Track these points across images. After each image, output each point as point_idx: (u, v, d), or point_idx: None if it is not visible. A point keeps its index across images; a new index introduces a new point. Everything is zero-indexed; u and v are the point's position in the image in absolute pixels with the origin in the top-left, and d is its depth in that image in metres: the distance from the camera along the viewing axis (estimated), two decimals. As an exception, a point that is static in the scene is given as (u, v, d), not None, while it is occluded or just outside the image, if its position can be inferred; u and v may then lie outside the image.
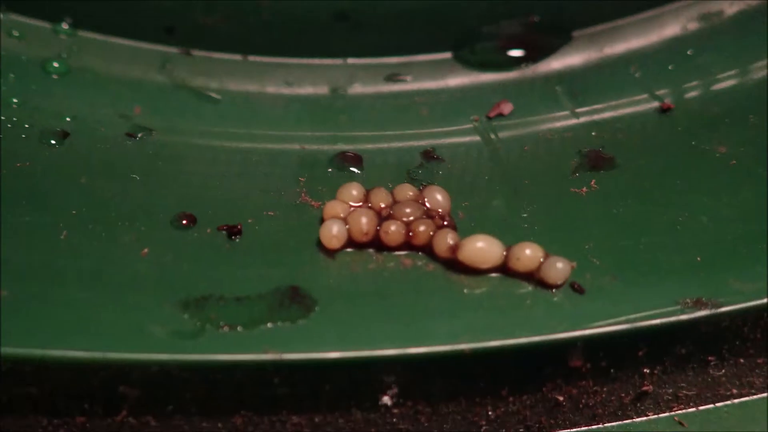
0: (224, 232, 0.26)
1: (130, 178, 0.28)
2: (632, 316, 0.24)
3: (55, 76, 0.31)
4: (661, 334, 0.24)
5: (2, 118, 0.29)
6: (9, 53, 0.31)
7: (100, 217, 0.26)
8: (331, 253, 0.26)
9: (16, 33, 0.32)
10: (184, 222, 0.26)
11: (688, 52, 0.35)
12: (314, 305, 0.24)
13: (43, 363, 0.21)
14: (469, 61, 0.35)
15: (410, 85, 0.35)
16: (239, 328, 0.23)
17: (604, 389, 0.25)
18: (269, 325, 0.23)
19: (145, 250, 0.25)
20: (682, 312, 0.24)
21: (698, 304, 0.24)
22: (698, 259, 0.25)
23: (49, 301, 0.22)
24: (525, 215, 0.28)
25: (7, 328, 0.21)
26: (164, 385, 0.22)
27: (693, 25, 0.36)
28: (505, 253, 0.25)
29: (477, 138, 0.32)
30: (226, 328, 0.23)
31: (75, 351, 0.21)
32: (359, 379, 0.23)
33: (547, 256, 0.25)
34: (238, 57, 0.34)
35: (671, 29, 0.36)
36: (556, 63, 0.36)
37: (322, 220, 0.27)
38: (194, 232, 0.26)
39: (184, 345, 0.22)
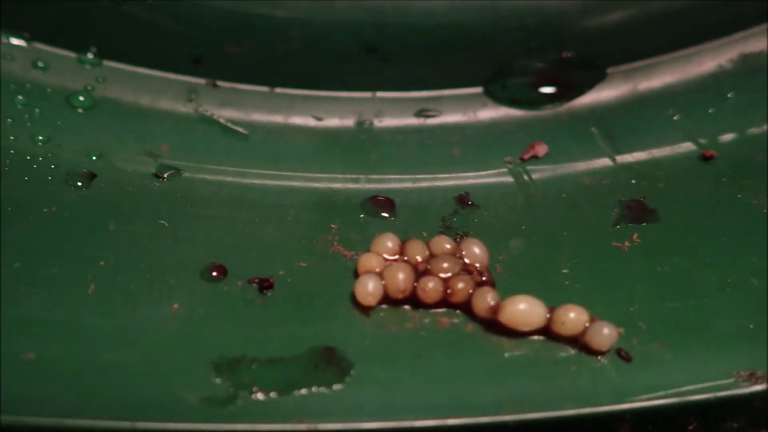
0: (255, 285, 0.25)
1: (158, 224, 0.27)
2: (683, 389, 0.23)
3: (80, 110, 0.31)
4: (713, 409, 0.23)
5: (28, 157, 0.28)
6: (35, 85, 0.31)
7: (128, 268, 0.25)
8: (366, 310, 0.25)
9: (41, 64, 0.31)
10: (215, 274, 0.25)
11: (729, 95, 0.34)
12: (350, 368, 0.23)
13: (69, 432, 0.20)
14: (499, 96, 0.34)
15: (440, 119, 0.34)
16: (273, 394, 0.22)
17: (649, 462, 0.24)
18: (304, 390, 0.22)
19: (176, 306, 0.24)
20: (736, 386, 0.23)
21: (753, 378, 0.23)
22: (751, 326, 0.24)
23: (75, 364, 0.21)
24: (566, 271, 0.27)
25: (33, 395, 0.20)
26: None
27: (731, 66, 0.35)
28: (548, 315, 0.24)
29: (511, 180, 0.31)
30: (259, 395, 0.22)
31: (103, 420, 0.20)
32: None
33: (592, 320, 0.24)
34: (265, 89, 0.33)
35: (708, 67, 0.35)
36: (590, 101, 0.35)
37: (356, 274, 0.26)
38: (225, 285, 0.25)
39: (217, 413, 0.21)
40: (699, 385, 0.23)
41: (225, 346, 0.23)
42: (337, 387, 0.22)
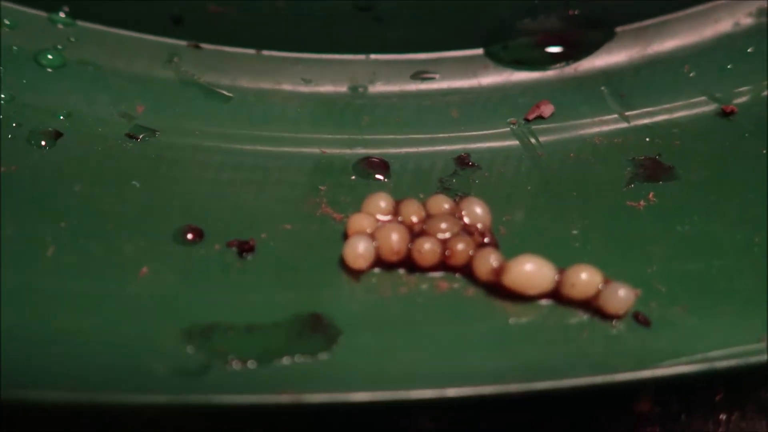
0: (234, 248, 0.23)
1: (129, 186, 0.25)
2: (708, 355, 0.20)
3: (49, 69, 0.28)
4: (741, 376, 0.21)
5: (-13, 115, 0.26)
6: (0, 44, 0.28)
7: (94, 231, 0.23)
8: (356, 274, 0.23)
9: (7, 22, 0.29)
10: (190, 236, 0.23)
11: (748, 50, 0.32)
12: (338, 336, 0.21)
13: (22, 407, 0.18)
14: (502, 58, 0.32)
15: (439, 83, 0.32)
16: (251, 364, 0.20)
17: (672, 436, 0.21)
18: (286, 360, 0.20)
19: (144, 270, 0.22)
20: (767, 351, 0.20)
21: (786, 342, 0.20)
22: (782, 286, 0.22)
23: (30, 331, 0.19)
24: (575, 232, 0.25)
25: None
26: (162, 430, 0.19)
27: (749, 20, 0.33)
28: (557, 277, 0.22)
29: (515, 142, 0.29)
30: (235, 364, 0.20)
31: (59, 392, 0.18)
32: (390, 424, 0.20)
33: (606, 281, 0.22)
34: (251, 51, 0.31)
35: (724, 25, 0.33)
36: (599, 61, 0.32)
37: (345, 236, 0.24)
38: (201, 249, 0.23)
39: (188, 384, 0.19)
40: (726, 351, 0.20)
41: (198, 313, 0.21)
42: (323, 356, 0.20)
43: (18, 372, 0.18)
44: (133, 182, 0.25)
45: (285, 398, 0.19)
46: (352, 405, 0.19)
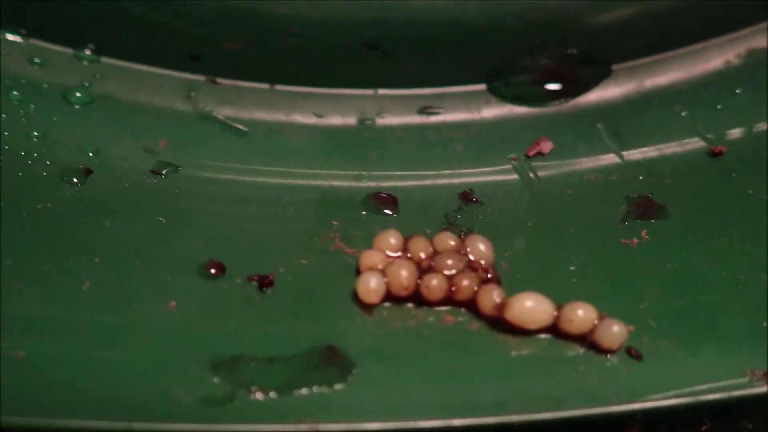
0: (255, 282, 0.25)
1: (155, 221, 0.26)
2: (696, 388, 0.22)
3: (77, 107, 0.30)
4: (727, 408, 0.22)
5: (23, 152, 0.27)
6: (30, 82, 0.30)
7: (125, 265, 0.24)
8: (368, 308, 0.24)
9: (37, 60, 0.31)
10: (213, 271, 0.25)
11: (737, 91, 0.33)
12: (352, 367, 0.22)
13: (62, 433, 0.19)
14: (504, 94, 0.34)
15: (443, 117, 0.33)
16: (272, 394, 0.21)
17: (661, 464, 0.23)
18: (304, 390, 0.21)
19: (173, 303, 0.23)
20: (751, 385, 0.22)
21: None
22: (764, 323, 0.24)
23: (68, 362, 0.21)
24: (573, 268, 0.26)
25: (23, 394, 0.19)
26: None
27: (738, 62, 0.34)
28: (555, 312, 0.24)
29: (516, 177, 0.31)
30: (258, 394, 0.21)
31: (97, 421, 0.19)
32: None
33: (601, 317, 0.24)
34: (265, 86, 0.33)
35: (715, 64, 0.34)
36: (596, 97, 0.34)
37: (358, 271, 0.25)
38: (223, 283, 0.24)
39: (214, 413, 0.20)
40: (712, 384, 0.22)
41: (223, 345, 0.22)
42: (338, 386, 0.22)
43: (57, 401, 0.20)
44: (159, 218, 0.26)
45: (303, 427, 0.20)
46: (365, 433, 0.21)
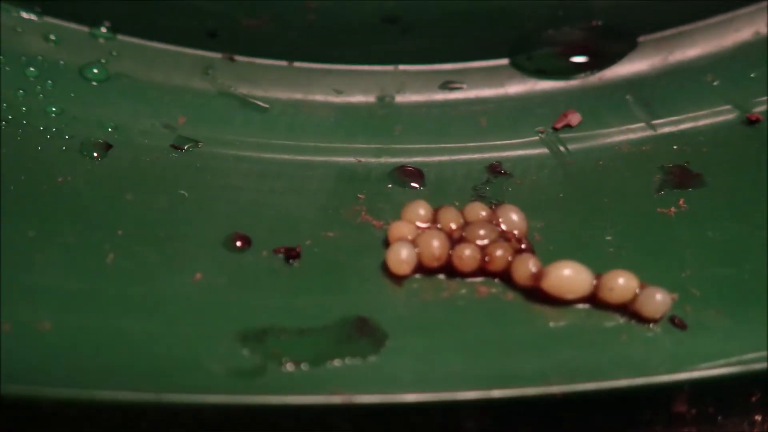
0: (281, 255, 0.24)
1: (178, 195, 0.25)
2: (745, 357, 0.21)
3: (94, 83, 0.29)
4: (777, 377, 0.21)
5: (41, 128, 0.27)
6: (46, 59, 0.29)
7: (149, 238, 0.23)
8: (398, 279, 0.24)
9: (53, 37, 0.30)
10: (239, 244, 0.24)
11: (772, 58, 0.32)
12: (385, 339, 0.22)
13: (91, 405, 0.19)
14: (527, 67, 0.33)
15: (466, 93, 0.32)
16: (304, 366, 0.20)
17: (708, 436, 0.22)
18: (336, 362, 0.21)
19: (198, 275, 0.23)
20: (802, 352, 0.21)
21: (821, 344, 0.21)
22: (813, 290, 0.23)
23: (95, 334, 0.20)
24: (609, 238, 0.25)
25: (50, 367, 0.19)
26: (220, 430, 0.20)
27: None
28: (594, 282, 0.23)
29: (545, 150, 0.30)
30: (289, 366, 0.20)
31: (126, 392, 0.19)
32: (437, 424, 0.21)
33: (643, 286, 0.23)
34: (283, 63, 0.32)
35: (745, 34, 0.33)
36: (622, 70, 0.33)
37: (386, 243, 0.24)
38: (249, 255, 0.24)
39: (246, 385, 0.20)
40: (761, 353, 0.21)
41: (251, 317, 0.21)
42: (372, 358, 0.21)
43: (84, 372, 0.19)
44: (181, 191, 0.26)
45: (337, 399, 0.20)
46: (401, 405, 0.20)
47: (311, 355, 0.21)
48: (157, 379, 0.19)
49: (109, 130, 0.28)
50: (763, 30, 0.33)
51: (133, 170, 0.26)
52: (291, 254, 0.24)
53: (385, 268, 0.24)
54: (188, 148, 0.28)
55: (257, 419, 0.20)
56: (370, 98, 0.32)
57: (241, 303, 0.22)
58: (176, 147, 0.28)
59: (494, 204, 0.27)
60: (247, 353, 0.20)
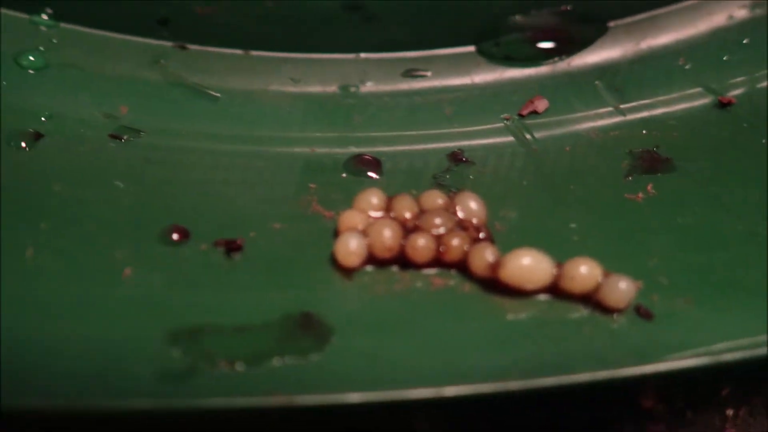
0: (222, 248, 0.22)
1: (112, 186, 0.24)
2: (713, 347, 0.20)
3: (30, 71, 0.28)
4: (748, 370, 0.20)
5: (-34, 117, 0.25)
6: (-22, 46, 0.28)
7: (75, 232, 0.22)
8: (348, 272, 0.22)
9: (-13, 24, 0.28)
10: (175, 237, 0.22)
11: (744, 42, 0.31)
12: (330, 335, 0.20)
13: (4, 415, 0.17)
14: (494, 54, 0.32)
15: (431, 81, 0.31)
16: (240, 366, 0.19)
17: (678, 434, 0.21)
18: (277, 361, 0.19)
19: (128, 271, 0.21)
20: (775, 342, 0.20)
21: (795, 333, 0.20)
22: (787, 277, 0.21)
23: (5, 334, 0.18)
24: (573, 226, 0.24)
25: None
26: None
27: (742, 13, 0.32)
28: (555, 271, 0.21)
29: (510, 138, 0.28)
30: (224, 366, 0.19)
31: (36, 401, 0.17)
32: (387, 426, 0.19)
33: (606, 274, 0.21)
34: (239, 52, 0.31)
35: (718, 18, 0.32)
36: (592, 56, 0.32)
37: (336, 233, 0.23)
38: (187, 249, 0.22)
39: (174, 388, 0.18)
40: (732, 343, 0.20)
41: (184, 315, 0.20)
42: (315, 357, 0.19)
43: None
44: (117, 182, 0.24)
45: (276, 400, 0.18)
46: (347, 406, 0.18)
47: (248, 354, 0.19)
48: (75, 386, 0.18)
49: (43, 119, 0.26)
50: (736, 14, 0.32)
51: (65, 160, 0.24)
52: (232, 247, 0.22)
53: (333, 261, 0.22)
54: (128, 138, 0.26)
55: (188, 424, 0.18)
56: (331, 87, 0.31)
57: (174, 300, 0.20)
58: (115, 137, 0.26)
59: (453, 192, 0.25)
60: (177, 354, 0.19)
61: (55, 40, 0.29)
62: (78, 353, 0.19)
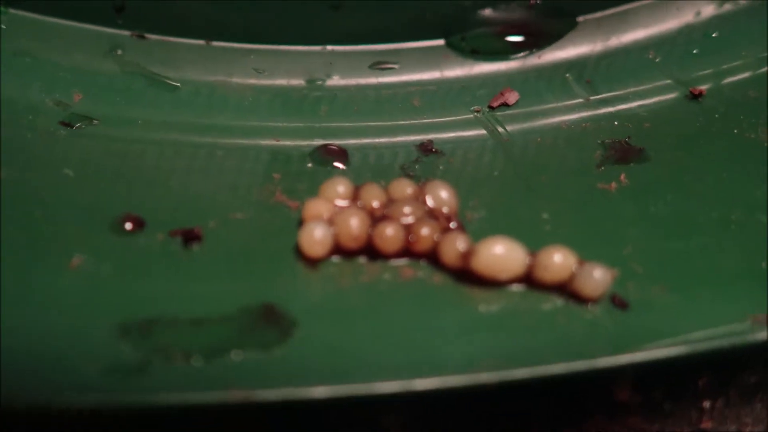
0: (179, 238, 0.21)
1: (61, 174, 0.22)
2: (691, 336, 0.19)
3: (-24, 59, 0.26)
4: (727, 358, 0.19)
5: None
6: None
7: (19, 219, 0.20)
8: (313, 262, 0.21)
9: (-70, 10, 0.27)
10: (129, 226, 0.21)
11: (714, 35, 0.31)
12: (293, 328, 0.19)
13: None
14: (463, 48, 0.31)
15: (399, 75, 0.30)
16: (196, 360, 0.18)
17: (655, 427, 0.20)
18: (236, 355, 0.18)
19: (75, 261, 0.20)
20: (752, 331, 0.19)
21: (772, 321, 0.19)
22: (763, 264, 0.21)
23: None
24: (546, 216, 0.23)
25: None
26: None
27: (709, 10, 0.32)
28: (528, 260, 0.21)
29: (481, 130, 0.28)
30: (179, 361, 0.17)
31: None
32: (354, 422, 0.18)
33: (580, 263, 0.21)
34: (200, 42, 0.29)
35: (687, 14, 0.32)
36: (562, 51, 0.32)
37: (301, 223, 0.22)
38: (141, 239, 0.21)
39: (123, 383, 0.17)
40: (709, 331, 0.19)
41: (137, 307, 0.19)
42: (277, 351, 0.18)
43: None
44: (66, 170, 0.23)
45: (233, 396, 0.17)
46: (310, 402, 0.17)
47: (206, 348, 0.18)
48: (15, 384, 0.16)
49: (-12, 107, 0.25)
50: (704, 10, 0.32)
51: (11, 147, 0.23)
52: (189, 237, 0.21)
53: (297, 251, 0.21)
54: (80, 126, 0.25)
55: (139, 421, 0.17)
56: (297, 79, 0.30)
57: (126, 291, 0.19)
58: (66, 124, 0.25)
59: (423, 182, 0.24)
60: (127, 348, 0.18)
61: (4, 26, 0.27)
62: (18, 346, 0.17)
